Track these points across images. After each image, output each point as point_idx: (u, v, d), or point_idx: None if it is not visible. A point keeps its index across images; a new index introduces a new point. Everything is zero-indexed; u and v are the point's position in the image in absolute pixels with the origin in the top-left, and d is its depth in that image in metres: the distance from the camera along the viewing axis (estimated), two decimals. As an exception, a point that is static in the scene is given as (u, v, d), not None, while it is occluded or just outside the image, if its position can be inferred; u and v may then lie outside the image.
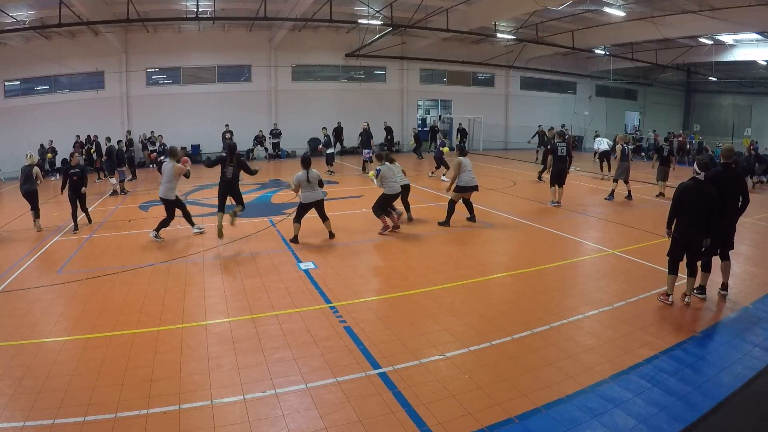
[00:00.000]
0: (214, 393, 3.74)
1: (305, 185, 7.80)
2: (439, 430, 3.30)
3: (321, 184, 7.98)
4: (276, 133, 21.43)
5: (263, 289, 5.95)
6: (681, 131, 26.68)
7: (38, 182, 9.31)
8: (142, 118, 20.05)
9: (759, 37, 19.97)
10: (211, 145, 20.46)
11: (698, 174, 5.24)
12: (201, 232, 8.57)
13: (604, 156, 15.66)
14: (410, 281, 6.19)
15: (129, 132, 19.07)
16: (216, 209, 8.16)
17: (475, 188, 9.06)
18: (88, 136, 18.43)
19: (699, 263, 5.42)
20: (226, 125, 19.41)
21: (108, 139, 16.72)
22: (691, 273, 5.38)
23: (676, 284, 5.46)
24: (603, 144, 15.85)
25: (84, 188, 9.15)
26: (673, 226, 5.37)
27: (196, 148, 21.23)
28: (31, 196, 9.16)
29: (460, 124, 24.23)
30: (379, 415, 3.45)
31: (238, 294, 5.82)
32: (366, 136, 16.83)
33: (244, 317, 5.15)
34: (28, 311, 5.40)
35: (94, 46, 19.06)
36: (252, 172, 8.18)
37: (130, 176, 15.42)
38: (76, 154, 9.97)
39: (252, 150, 21.47)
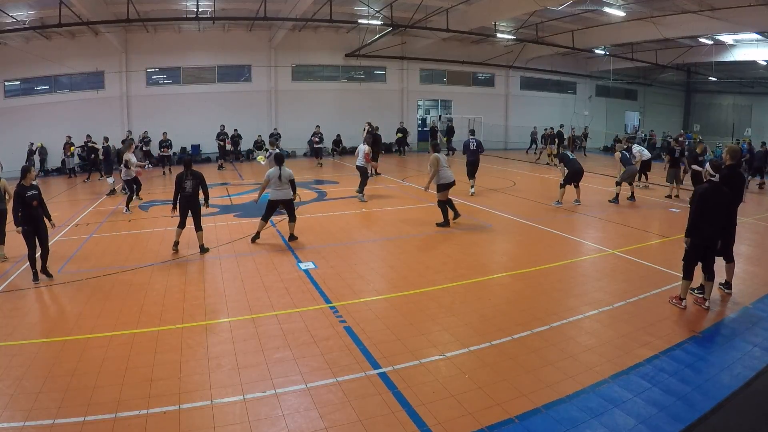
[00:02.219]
0: (214, 393, 3.74)
1: (276, 182, 7.80)
2: (439, 430, 3.30)
3: (293, 184, 7.98)
4: (276, 136, 21.55)
5: (263, 289, 5.95)
6: (681, 131, 26.59)
7: (8, 199, 7.46)
8: (142, 118, 20.04)
9: (759, 37, 19.95)
10: (212, 145, 20.46)
11: (713, 176, 5.22)
12: (127, 211, 10.62)
13: (647, 165, 13.62)
14: (410, 281, 6.19)
15: (130, 132, 19.06)
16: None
17: (453, 183, 9.05)
18: (88, 135, 18.24)
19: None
20: (222, 126, 19.27)
21: (106, 139, 16.76)
22: (710, 277, 5.28)
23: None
24: (645, 152, 13.63)
25: (49, 218, 6.65)
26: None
27: (196, 148, 21.24)
28: None
29: (450, 120, 24.43)
30: (379, 415, 3.45)
31: (238, 294, 5.82)
32: (369, 135, 16.91)
33: (244, 317, 5.15)
34: (28, 311, 5.41)
35: (94, 46, 19.05)
36: (206, 192, 7.75)
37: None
38: (32, 169, 6.83)
39: (252, 151, 21.48)
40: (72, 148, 17.20)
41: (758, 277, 6.39)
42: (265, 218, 7.94)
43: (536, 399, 3.63)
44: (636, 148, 12.45)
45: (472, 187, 12.21)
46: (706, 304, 5.30)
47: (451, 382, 3.87)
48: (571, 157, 10.97)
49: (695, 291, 5.55)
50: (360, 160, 11.66)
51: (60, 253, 7.68)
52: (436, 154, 8.85)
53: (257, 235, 8.01)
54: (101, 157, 16.03)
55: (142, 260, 7.20)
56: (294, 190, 7.97)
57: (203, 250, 7.54)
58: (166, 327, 4.94)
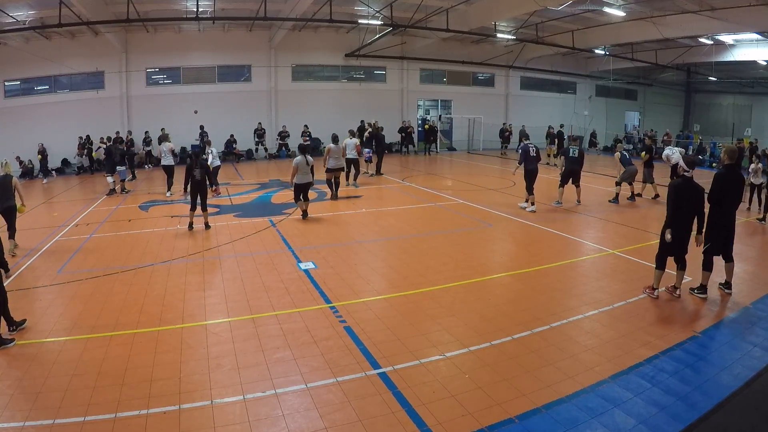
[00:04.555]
0: (214, 393, 3.74)
1: (304, 169, 9.12)
2: (439, 430, 3.30)
3: (313, 170, 9.46)
4: (284, 136, 21.68)
5: (263, 289, 5.95)
6: (667, 131, 26.42)
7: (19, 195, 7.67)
8: (142, 118, 20.00)
9: (759, 37, 19.92)
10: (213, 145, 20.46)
11: (686, 172, 5.34)
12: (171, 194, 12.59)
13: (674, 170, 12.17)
14: (410, 281, 6.19)
15: (130, 132, 19.05)
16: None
17: (310, 185, 9.80)
18: (108, 136, 17.99)
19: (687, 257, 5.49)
20: (201, 126, 19.69)
21: (109, 139, 16.74)
22: (682, 266, 5.50)
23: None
24: (676, 154, 11.76)
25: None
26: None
27: (197, 147, 21.17)
28: (8, 212, 7.59)
29: (432, 120, 24.48)
30: (379, 415, 3.45)
31: (238, 294, 5.82)
32: (369, 135, 16.97)
33: (244, 317, 5.15)
34: (28, 311, 5.40)
35: (94, 46, 19.02)
36: (210, 178, 9.21)
37: (131, 176, 15.40)
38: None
39: (253, 150, 21.50)
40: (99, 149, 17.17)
41: (758, 277, 6.39)
42: (297, 199, 9.47)
43: (536, 399, 3.63)
44: (667, 152, 11.75)
45: (532, 204, 10.25)
46: (677, 293, 5.52)
47: (451, 382, 3.87)
48: (570, 154, 10.81)
49: (695, 291, 5.57)
50: (351, 153, 12.80)
51: (60, 253, 7.68)
52: (297, 158, 9.44)
53: (305, 213, 9.52)
54: (103, 156, 16.02)
55: (142, 260, 7.20)
56: (313, 174, 9.43)
57: (207, 227, 8.80)
58: (166, 327, 4.94)
